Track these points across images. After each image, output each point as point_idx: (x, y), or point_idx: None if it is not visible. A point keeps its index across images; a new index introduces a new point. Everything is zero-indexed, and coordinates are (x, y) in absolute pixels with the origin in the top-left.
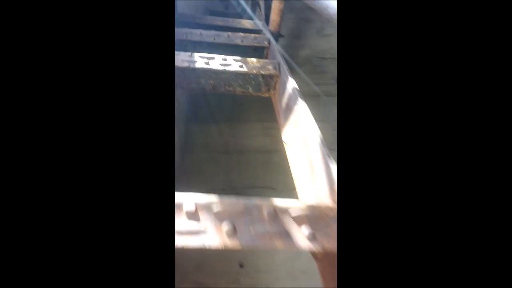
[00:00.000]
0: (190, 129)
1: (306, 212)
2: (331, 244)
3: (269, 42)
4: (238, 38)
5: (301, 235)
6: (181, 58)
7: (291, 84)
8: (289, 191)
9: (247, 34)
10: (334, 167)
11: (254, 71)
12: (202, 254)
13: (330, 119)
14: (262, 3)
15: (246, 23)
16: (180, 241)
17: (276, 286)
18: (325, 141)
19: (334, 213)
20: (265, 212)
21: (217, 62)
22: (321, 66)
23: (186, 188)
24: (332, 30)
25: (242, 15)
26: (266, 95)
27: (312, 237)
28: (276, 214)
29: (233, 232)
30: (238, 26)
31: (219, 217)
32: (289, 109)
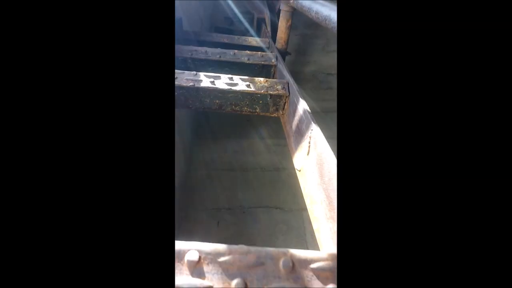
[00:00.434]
0: (194, 145)
1: (330, 265)
2: None
3: (277, 60)
4: (244, 56)
5: None
6: (185, 77)
7: (302, 105)
8: (298, 211)
9: (254, 52)
10: None
11: (262, 91)
12: None
13: None
14: (268, 20)
15: (252, 41)
16: None
17: None
18: None
19: None
20: (281, 265)
21: (223, 81)
22: (327, 82)
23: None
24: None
25: (246, 32)
26: (275, 115)
27: None
28: (295, 267)
29: None
30: (244, 43)
31: (228, 272)
32: (300, 133)
